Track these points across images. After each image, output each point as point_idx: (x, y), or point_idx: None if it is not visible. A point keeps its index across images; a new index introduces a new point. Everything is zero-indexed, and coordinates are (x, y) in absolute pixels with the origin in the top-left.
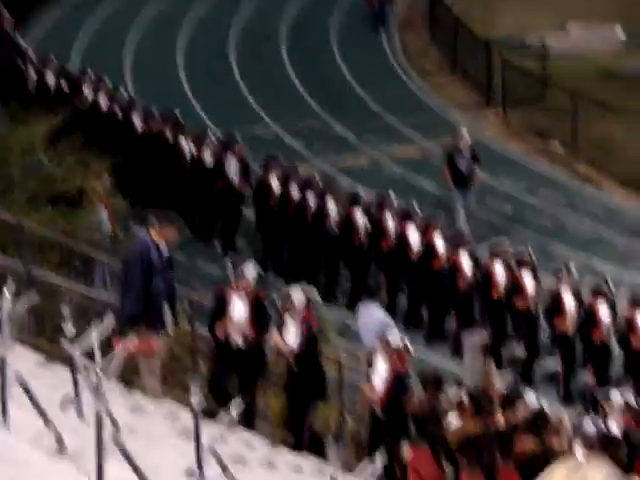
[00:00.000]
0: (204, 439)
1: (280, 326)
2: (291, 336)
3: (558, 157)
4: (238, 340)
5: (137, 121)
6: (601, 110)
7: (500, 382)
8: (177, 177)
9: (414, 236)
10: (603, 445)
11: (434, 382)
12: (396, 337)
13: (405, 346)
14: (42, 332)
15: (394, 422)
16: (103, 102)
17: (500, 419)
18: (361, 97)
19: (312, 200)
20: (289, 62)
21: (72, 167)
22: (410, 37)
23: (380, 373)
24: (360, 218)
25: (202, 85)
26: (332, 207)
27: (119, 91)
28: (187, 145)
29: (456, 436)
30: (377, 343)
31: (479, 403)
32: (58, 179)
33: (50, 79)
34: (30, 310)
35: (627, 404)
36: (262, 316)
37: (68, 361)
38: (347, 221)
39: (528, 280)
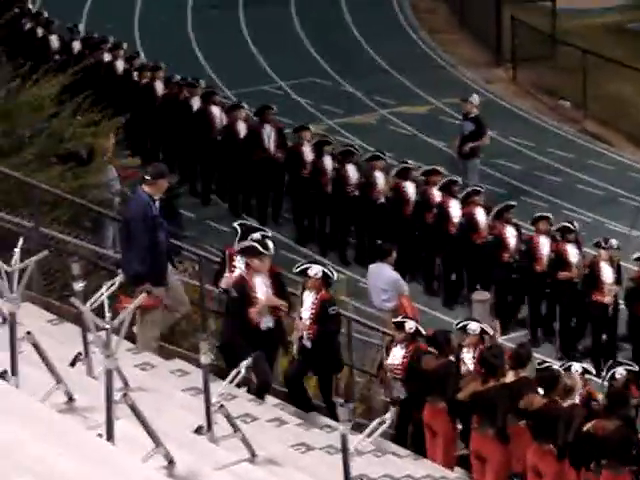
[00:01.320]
0: (213, 397)
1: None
2: (306, 311)
3: (568, 115)
4: (269, 322)
5: (159, 86)
6: (610, 67)
7: (506, 341)
8: (208, 148)
9: (455, 208)
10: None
11: (446, 342)
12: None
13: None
14: (52, 290)
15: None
16: (120, 65)
17: (509, 377)
18: (370, 55)
19: (352, 170)
20: (298, 21)
21: (82, 125)
22: None
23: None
24: (410, 190)
25: (212, 45)
26: (380, 177)
27: (138, 56)
28: (219, 114)
29: (467, 395)
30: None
31: (489, 362)
32: (67, 137)
33: (55, 41)
34: (40, 268)
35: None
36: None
37: (78, 319)
38: (397, 193)
39: (572, 253)
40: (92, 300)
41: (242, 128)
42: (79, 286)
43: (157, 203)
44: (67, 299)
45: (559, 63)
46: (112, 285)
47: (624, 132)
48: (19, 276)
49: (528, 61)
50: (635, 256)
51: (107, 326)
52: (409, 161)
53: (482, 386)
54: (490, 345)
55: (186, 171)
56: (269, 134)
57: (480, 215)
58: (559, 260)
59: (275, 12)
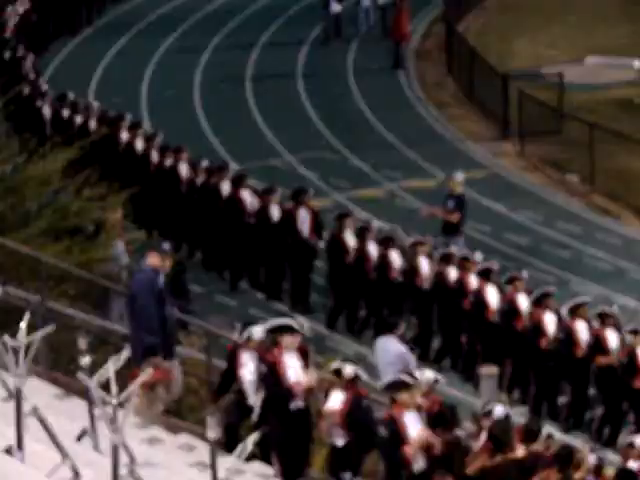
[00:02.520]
0: (220, 472)
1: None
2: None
3: (575, 189)
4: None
5: (183, 168)
6: (618, 142)
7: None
8: (240, 231)
9: (493, 295)
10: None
11: (453, 418)
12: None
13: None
14: (58, 364)
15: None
16: (140, 145)
17: (519, 452)
18: (377, 129)
19: (395, 256)
20: (306, 95)
21: (88, 199)
22: (426, 69)
23: (336, 400)
24: (453, 276)
25: (219, 119)
26: (424, 262)
27: (157, 135)
28: (250, 198)
29: (475, 470)
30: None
31: (497, 437)
32: (74, 212)
33: (79, 120)
34: (46, 342)
35: None
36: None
37: (84, 394)
38: (441, 279)
39: (612, 338)
40: (98, 375)
41: (275, 212)
42: (86, 360)
43: (161, 277)
44: (74, 373)
45: (566, 137)
46: (119, 360)
47: (632, 206)
48: (25, 351)
49: (535, 135)
50: None
51: (113, 401)
52: (452, 246)
53: (490, 461)
54: (498, 419)
55: (208, 252)
56: (304, 218)
57: (522, 301)
58: (598, 346)
59: (282, 86)
